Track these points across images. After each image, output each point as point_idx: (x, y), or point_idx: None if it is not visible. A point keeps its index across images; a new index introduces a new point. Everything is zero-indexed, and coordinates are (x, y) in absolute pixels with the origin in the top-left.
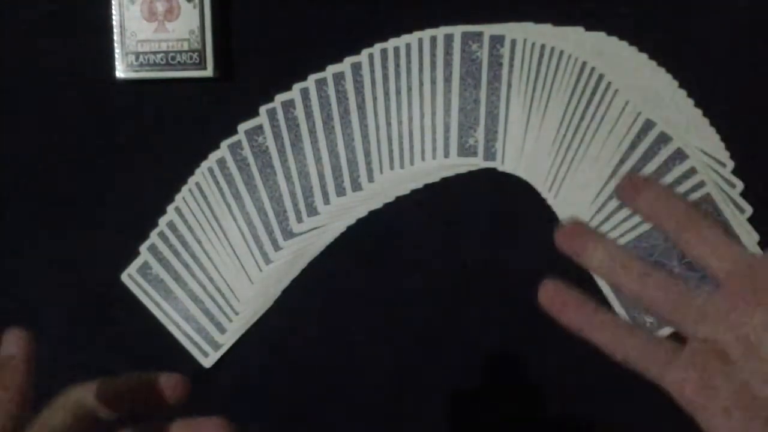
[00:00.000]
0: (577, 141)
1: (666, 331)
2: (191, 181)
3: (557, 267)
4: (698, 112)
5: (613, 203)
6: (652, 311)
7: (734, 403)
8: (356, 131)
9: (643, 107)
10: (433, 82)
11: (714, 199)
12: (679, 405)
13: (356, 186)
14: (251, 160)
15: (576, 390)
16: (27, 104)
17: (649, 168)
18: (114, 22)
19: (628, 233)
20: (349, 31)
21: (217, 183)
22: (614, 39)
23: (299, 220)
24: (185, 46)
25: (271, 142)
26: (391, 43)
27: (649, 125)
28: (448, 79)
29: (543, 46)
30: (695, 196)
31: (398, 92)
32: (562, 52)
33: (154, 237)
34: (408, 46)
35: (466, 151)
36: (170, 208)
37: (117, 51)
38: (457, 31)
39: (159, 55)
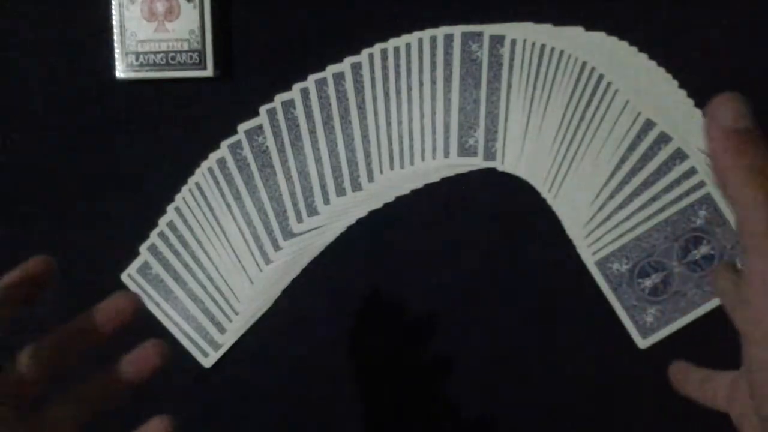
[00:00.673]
0: (577, 141)
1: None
2: (191, 181)
3: (557, 267)
4: (698, 112)
5: (613, 203)
6: None
7: None
8: (356, 131)
9: (643, 107)
10: (433, 82)
11: (714, 199)
12: None
13: (356, 186)
14: (251, 160)
15: (576, 390)
16: (27, 104)
17: (649, 168)
18: (114, 22)
19: (628, 233)
20: (349, 31)
21: (217, 183)
22: (614, 39)
23: (299, 220)
24: (185, 46)
25: (271, 142)
26: (391, 43)
27: (649, 125)
28: (448, 79)
29: (543, 46)
30: (695, 196)
31: (398, 92)
32: (562, 52)
33: (154, 237)
34: (408, 46)
35: (466, 151)
36: (170, 208)
37: (117, 51)
38: (457, 31)
39: (159, 55)
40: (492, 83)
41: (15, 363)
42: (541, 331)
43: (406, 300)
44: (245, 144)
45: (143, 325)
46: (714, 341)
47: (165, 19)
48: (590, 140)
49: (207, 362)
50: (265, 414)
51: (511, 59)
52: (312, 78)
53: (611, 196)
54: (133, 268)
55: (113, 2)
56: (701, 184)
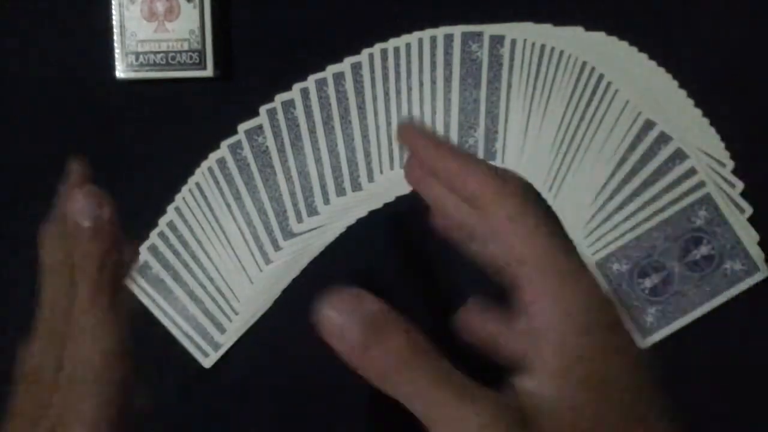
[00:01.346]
0: (577, 141)
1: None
2: (191, 181)
3: None
4: (698, 112)
5: (613, 203)
6: None
7: None
8: (356, 131)
9: (643, 107)
10: (433, 82)
11: (714, 199)
12: None
13: (356, 186)
14: (251, 160)
15: None
16: (27, 104)
17: (649, 168)
18: (114, 22)
19: (628, 233)
20: (349, 31)
21: (217, 183)
22: (614, 39)
23: (299, 220)
24: (185, 46)
25: (271, 142)
26: (391, 43)
27: (649, 125)
28: (448, 79)
29: (543, 46)
30: (695, 196)
31: (398, 92)
32: (562, 52)
33: (154, 237)
34: (408, 46)
35: (466, 151)
36: (170, 208)
37: (117, 51)
38: (457, 31)
39: (159, 55)
40: (492, 83)
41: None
42: None
43: (407, 300)
44: (245, 144)
45: (143, 325)
46: (714, 341)
47: (165, 19)
48: (590, 140)
49: (207, 362)
50: (265, 414)
51: (511, 59)
52: (312, 78)
53: (611, 196)
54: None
55: (113, 2)
56: (701, 184)
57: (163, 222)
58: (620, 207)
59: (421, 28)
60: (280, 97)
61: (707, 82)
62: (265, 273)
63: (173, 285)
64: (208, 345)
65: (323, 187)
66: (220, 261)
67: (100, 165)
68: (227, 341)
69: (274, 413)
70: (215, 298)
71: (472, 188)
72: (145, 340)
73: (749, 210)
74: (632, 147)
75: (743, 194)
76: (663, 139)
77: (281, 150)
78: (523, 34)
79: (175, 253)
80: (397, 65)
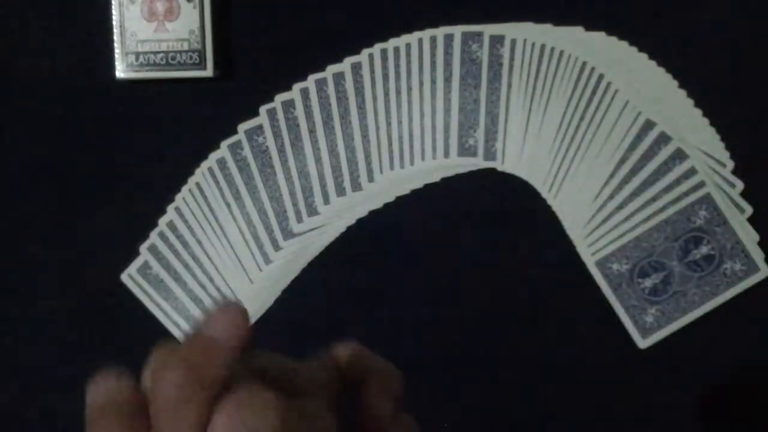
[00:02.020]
0: (577, 141)
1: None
2: (191, 181)
3: (557, 267)
4: (698, 112)
5: (613, 203)
6: None
7: None
8: (356, 131)
9: (643, 107)
10: (433, 82)
11: (714, 199)
12: None
13: (356, 186)
14: (251, 160)
15: (576, 390)
16: (27, 104)
17: (649, 168)
18: (114, 22)
19: (628, 233)
20: (349, 31)
21: (217, 183)
22: (614, 39)
23: (299, 220)
24: (185, 46)
25: (271, 142)
26: (391, 43)
27: (649, 125)
28: (448, 79)
29: (543, 46)
30: (695, 196)
31: (398, 92)
32: (562, 52)
33: (154, 237)
34: (408, 46)
35: (466, 151)
36: (170, 208)
37: (117, 51)
38: (457, 31)
39: (159, 55)
40: (492, 83)
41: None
42: (540, 331)
43: (406, 300)
44: (245, 144)
45: (143, 325)
46: (714, 341)
47: (165, 19)
48: (590, 140)
49: None
50: None
51: (511, 59)
52: (312, 78)
53: (611, 196)
54: (133, 268)
55: (113, 2)
56: (701, 184)
57: (163, 222)
58: (620, 207)
59: (421, 28)
60: (280, 97)
61: (707, 82)
62: (265, 273)
63: (173, 285)
64: None
65: (323, 187)
66: (220, 261)
67: (101, 165)
68: None
69: None
70: (215, 298)
71: None
72: (145, 340)
73: (749, 210)
74: (632, 147)
75: (743, 194)
76: (663, 139)
77: (281, 150)
78: (523, 34)
79: (175, 253)
80: (397, 65)
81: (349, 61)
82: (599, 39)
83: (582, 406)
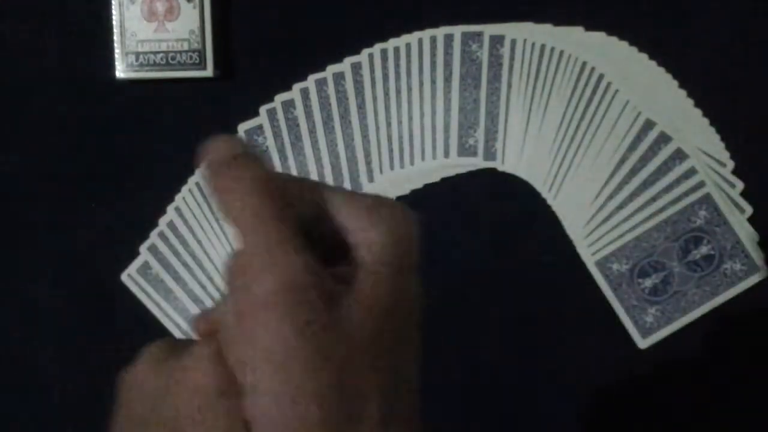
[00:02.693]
0: (577, 141)
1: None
2: (191, 181)
3: (556, 267)
4: (698, 112)
5: (614, 203)
6: None
7: None
8: (356, 131)
9: (643, 107)
10: (433, 82)
11: (714, 199)
12: None
13: (356, 186)
14: None
15: (576, 390)
16: (26, 104)
17: (649, 168)
18: (114, 22)
19: (628, 233)
20: (349, 31)
21: None
22: (614, 39)
23: None
24: (185, 46)
25: (271, 142)
26: (391, 43)
27: (649, 125)
28: (448, 79)
29: (543, 46)
30: (695, 196)
31: (398, 92)
32: (562, 52)
33: (154, 237)
34: (408, 46)
35: (466, 151)
36: (170, 208)
37: (117, 51)
38: (457, 31)
39: (159, 55)
40: (492, 83)
41: None
42: (540, 331)
43: None
44: None
45: (143, 325)
46: (714, 341)
47: (165, 19)
48: (590, 140)
49: None
50: None
51: (511, 59)
52: (312, 78)
53: (611, 196)
54: (133, 268)
55: (113, 2)
56: (701, 184)
57: (163, 222)
58: (620, 207)
59: (421, 28)
60: (280, 97)
61: (707, 82)
62: None
63: (173, 285)
64: None
65: None
66: (220, 261)
67: (101, 165)
68: None
69: None
70: (215, 298)
71: None
72: (145, 340)
73: (749, 210)
74: (632, 147)
75: (743, 194)
76: (663, 139)
77: (281, 150)
78: (523, 34)
79: (175, 253)
80: (397, 65)
81: (349, 61)
82: (599, 39)
83: (582, 406)
